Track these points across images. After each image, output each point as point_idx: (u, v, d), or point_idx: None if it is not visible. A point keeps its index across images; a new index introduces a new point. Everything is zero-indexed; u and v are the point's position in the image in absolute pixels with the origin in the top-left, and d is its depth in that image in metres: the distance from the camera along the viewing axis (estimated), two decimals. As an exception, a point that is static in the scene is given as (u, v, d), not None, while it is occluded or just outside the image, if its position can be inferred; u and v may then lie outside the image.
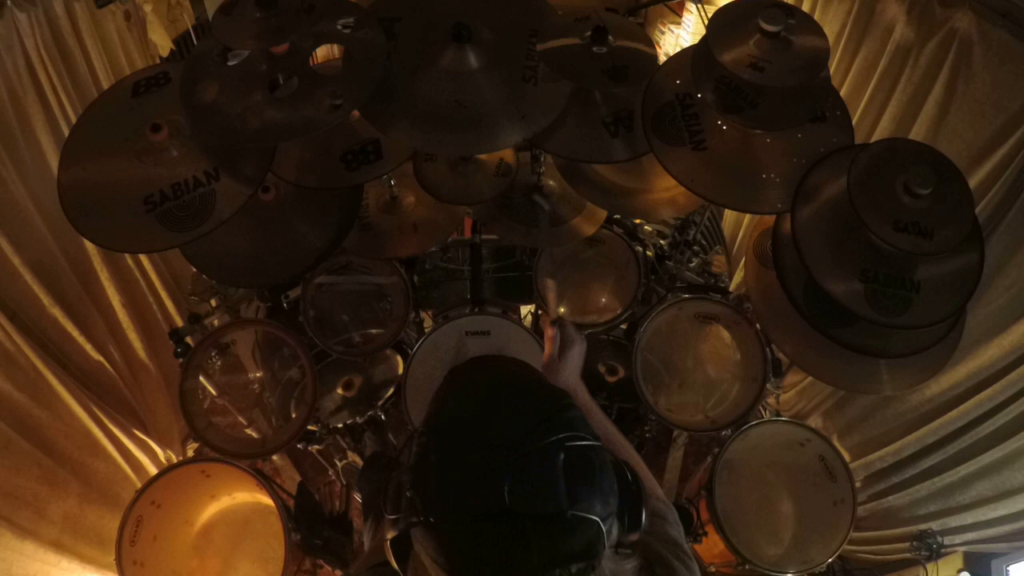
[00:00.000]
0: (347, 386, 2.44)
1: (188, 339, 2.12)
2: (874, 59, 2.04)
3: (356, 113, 1.61)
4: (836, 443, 2.22)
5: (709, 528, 2.19)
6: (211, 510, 2.40)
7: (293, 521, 2.08)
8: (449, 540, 0.68)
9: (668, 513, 1.07)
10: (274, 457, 2.85)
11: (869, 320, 1.45)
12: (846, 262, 1.49)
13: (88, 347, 2.32)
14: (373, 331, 2.37)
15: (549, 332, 1.33)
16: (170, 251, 1.72)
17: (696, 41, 1.64)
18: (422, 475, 0.71)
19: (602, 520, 0.68)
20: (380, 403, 2.35)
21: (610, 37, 1.60)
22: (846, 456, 2.20)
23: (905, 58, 1.91)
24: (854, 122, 1.72)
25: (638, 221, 2.54)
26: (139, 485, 2.16)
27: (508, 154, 2.02)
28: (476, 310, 2.17)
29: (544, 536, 0.65)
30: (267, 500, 2.07)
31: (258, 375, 2.53)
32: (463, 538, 0.67)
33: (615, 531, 0.72)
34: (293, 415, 2.35)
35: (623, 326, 2.45)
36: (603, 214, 2.15)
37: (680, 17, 3.02)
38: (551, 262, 2.42)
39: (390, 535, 0.75)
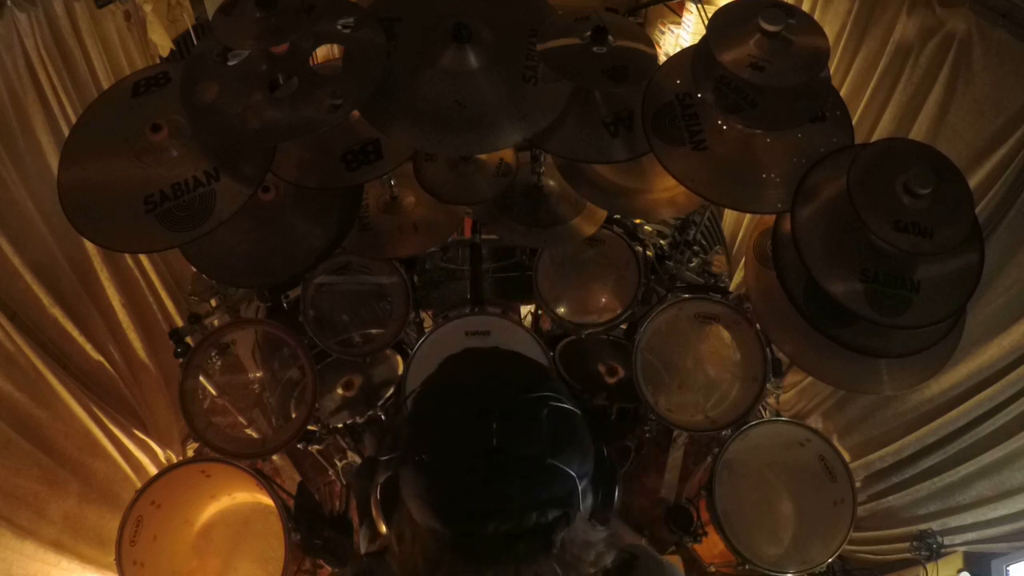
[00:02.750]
0: (347, 386, 2.44)
1: (188, 339, 2.12)
2: (874, 59, 2.04)
3: (356, 113, 1.61)
4: (836, 443, 2.22)
5: (709, 528, 2.19)
6: (211, 510, 2.40)
7: (293, 521, 2.07)
8: (438, 477, 0.73)
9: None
10: (274, 457, 2.85)
11: (869, 320, 1.45)
12: (846, 262, 1.49)
13: (88, 347, 2.32)
14: (373, 331, 2.37)
15: None
16: (170, 251, 1.72)
17: (696, 41, 1.64)
18: (418, 418, 0.79)
19: (578, 477, 0.74)
20: (380, 403, 2.35)
21: (610, 37, 1.60)
22: (846, 456, 2.20)
23: (905, 58, 1.91)
24: (854, 122, 1.72)
25: (638, 221, 2.54)
26: (139, 485, 2.16)
27: (508, 154, 2.01)
28: (476, 310, 2.17)
29: (526, 477, 0.71)
30: (267, 500, 2.07)
31: (258, 375, 2.53)
32: (453, 473, 0.72)
33: (589, 499, 0.78)
34: (293, 415, 2.35)
35: (623, 326, 2.45)
36: (603, 214, 2.15)
37: (680, 17, 3.02)
38: (551, 262, 2.42)
39: (380, 480, 0.81)
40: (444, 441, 0.74)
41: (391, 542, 0.83)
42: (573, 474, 0.73)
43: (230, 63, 1.50)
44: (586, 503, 0.76)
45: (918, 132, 1.92)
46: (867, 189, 1.42)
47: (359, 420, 2.32)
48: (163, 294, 2.67)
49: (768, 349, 2.10)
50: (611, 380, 2.48)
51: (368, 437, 2.38)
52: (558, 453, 0.73)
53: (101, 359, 2.39)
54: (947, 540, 2.19)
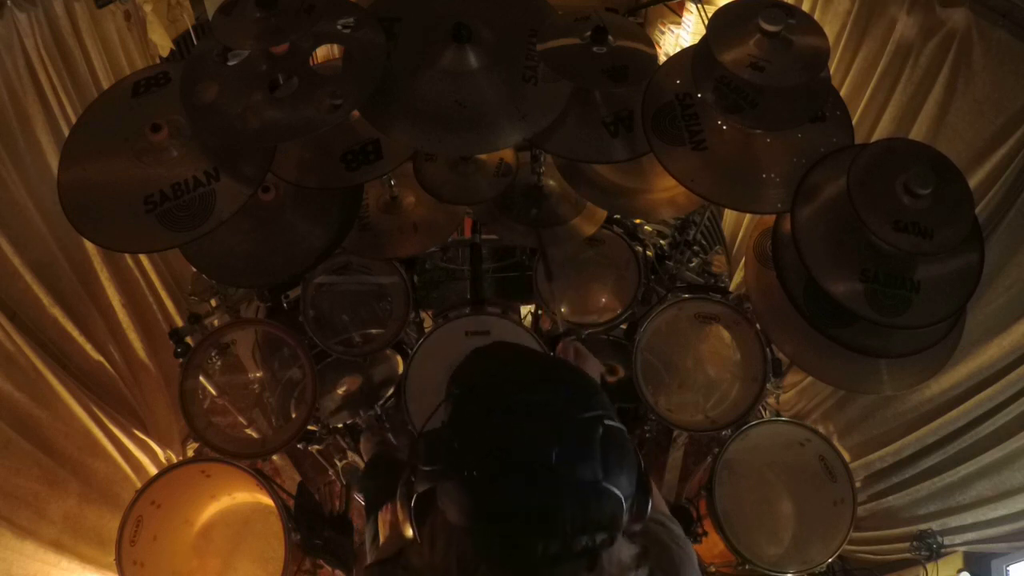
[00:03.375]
0: (347, 386, 2.44)
1: (188, 339, 2.12)
2: (874, 59, 2.04)
3: (356, 113, 1.61)
4: (836, 443, 2.22)
5: (709, 528, 2.19)
6: (211, 510, 2.40)
7: (293, 521, 2.07)
8: (489, 495, 0.69)
9: (669, 523, 1.08)
10: (274, 457, 2.85)
11: (869, 320, 1.45)
12: (846, 262, 1.49)
13: (88, 347, 2.32)
14: (373, 331, 2.37)
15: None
16: (170, 251, 1.72)
17: (696, 41, 1.64)
18: (463, 429, 0.74)
19: (624, 498, 0.71)
20: (380, 403, 2.35)
21: (610, 37, 1.60)
22: (846, 456, 2.20)
23: (905, 58, 1.91)
24: (854, 122, 1.72)
25: (638, 221, 2.54)
26: (139, 485, 2.16)
27: (508, 154, 2.01)
28: (476, 310, 2.16)
29: (578, 502, 0.68)
30: (267, 500, 2.07)
31: (258, 375, 2.53)
32: (504, 495, 0.69)
33: (627, 514, 0.74)
34: (293, 415, 2.35)
35: (623, 326, 2.45)
36: (603, 214, 2.15)
37: (680, 17, 3.02)
38: (552, 261, 2.42)
39: (418, 489, 0.76)
40: (496, 460, 0.70)
41: (415, 545, 0.81)
42: (621, 496, 0.71)
43: (230, 63, 1.50)
44: (625, 520, 0.74)
45: (918, 132, 1.92)
46: (867, 189, 1.42)
47: (359, 420, 2.32)
48: (163, 294, 2.68)
49: (768, 349, 2.10)
50: (611, 380, 2.48)
51: (365, 437, 2.37)
52: (610, 475, 0.70)
53: (101, 359, 2.39)
54: (947, 540, 2.19)
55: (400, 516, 0.82)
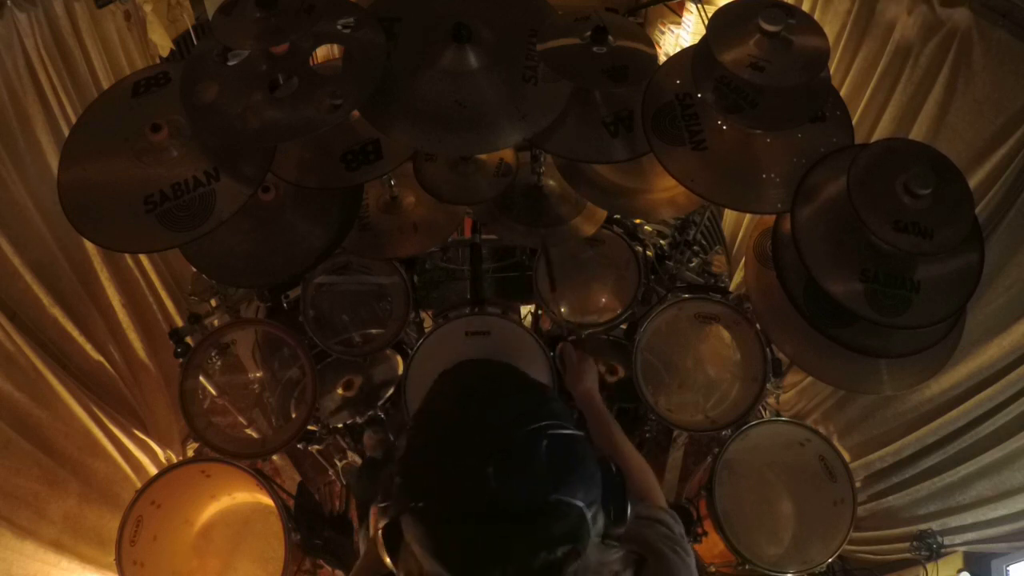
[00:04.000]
0: (347, 386, 2.44)
1: (188, 339, 2.12)
2: (874, 59, 2.04)
3: (356, 113, 1.61)
4: (836, 443, 2.22)
5: (709, 528, 2.19)
6: (211, 510, 2.40)
7: (293, 521, 2.08)
8: (436, 526, 0.69)
9: (670, 520, 1.07)
10: (274, 457, 2.85)
11: (869, 320, 1.45)
12: (846, 262, 1.49)
13: (88, 347, 2.33)
14: (373, 331, 2.37)
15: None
16: (170, 251, 1.72)
17: (696, 41, 1.64)
18: (410, 463, 0.74)
19: (585, 506, 0.70)
20: (380, 403, 2.35)
21: (610, 37, 1.60)
22: (846, 456, 2.20)
23: (905, 58, 1.91)
24: (854, 122, 1.72)
25: (638, 221, 2.54)
26: (139, 485, 2.16)
27: (508, 154, 2.01)
28: (476, 310, 2.16)
29: (529, 520, 0.67)
30: (267, 500, 2.07)
31: (258, 375, 2.53)
32: (450, 521, 0.69)
33: (600, 521, 0.73)
34: (293, 415, 2.35)
35: (623, 326, 2.45)
36: (603, 214, 2.15)
37: (680, 17, 3.03)
38: (555, 271, 2.42)
39: (382, 524, 0.78)
40: (438, 488, 0.70)
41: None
42: (580, 504, 0.69)
43: (230, 63, 1.50)
44: (597, 526, 0.73)
45: (918, 132, 1.92)
46: (867, 189, 1.42)
47: (359, 420, 2.32)
48: (163, 294, 2.68)
49: (768, 349, 2.10)
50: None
51: (367, 437, 2.37)
52: (561, 486, 0.69)
53: (101, 359, 2.39)
54: (947, 540, 2.19)
55: (379, 546, 0.82)
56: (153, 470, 2.62)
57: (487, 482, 0.66)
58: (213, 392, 2.24)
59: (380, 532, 0.80)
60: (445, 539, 0.69)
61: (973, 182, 1.72)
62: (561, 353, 1.42)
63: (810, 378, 2.62)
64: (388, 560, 0.81)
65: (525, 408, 0.73)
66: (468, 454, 0.69)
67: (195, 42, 2.60)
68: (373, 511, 1.47)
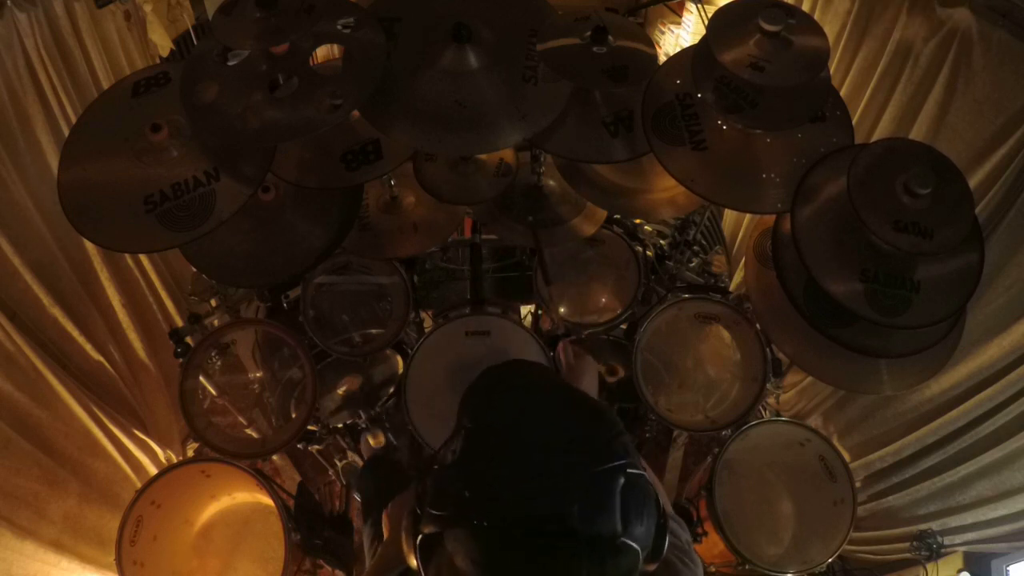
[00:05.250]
0: (347, 386, 2.44)
1: (188, 339, 2.12)
2: (874, 59, 2.04)
3: (356, 113, 1.61)
4: (836, 443, 2.22)
5: (709, 528, 2.19)
6: (211, 510, 2.40)
7: (293, 521, 2.08)
8: (501, 547, 0.66)
9: (677, 528, 1.06)
10: (274, 457, 2.85)
11: (869, 320, 1.45)
12: (846, 262, 1.49)
13: (88, 347, 2.32)
14: (373, 331, 2.37)
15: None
16: (170, 251, 1.72)
17: (696, 41, 1.64)
18: (476, 474, 0.69)
19: (642, 549, 0.68)
20: (380, 403, 2.35)
21: (610, 37, 1.60)
22: (846, 456, 2.20)
23: (905, 58, 1.91)
24: (854, 122, 1.72)
25: (638, 221, 2.54)
26: (139, 485, 2.16)
27: (508, 154, 2.01)
28: (476, 310, 2.16)
29: (596, 558, 0.65)
30: (267, 500, 2.07)
31: (258, 375, 2.53)
32: (517, 548, 0.65)
33: (642, 563, 0.71)
34: (293, 415, 2.35)
35: (623, 326, 2.45)
36: (603, 214, 2.15)
37: (680, 17, 3.03)
38: (551, 262, 2.42)
39: (425, 531, 0.72)
40: (511, 515, 0.65)
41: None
42: (639, 548, 0.68)
43: (230, 63, 1.50)
44: (641, 566, 0.71)
45: (918, 132, 1.92)
46: (867, 189, 1.42)
47: (359, 420, 2.32)
48: (163, 294, 2.68)
49: (768, 349, 2.10)
50: (611, 380, 2.48)
51: (367, 438, 2.37)
52: (628, 529, 0.67)
53: (101, 359, 2.39)
54: (947, 540, 2.19)
55: (404, 545, 0.79)
56: (153, 470, 2.62)
57: (568, 516, 0.64)
58: (213, 392, 2.24)
59: (413, 536, 0.75)
60: (507, 566, 0.66)
61: (973, 182, 1.72)
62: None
63: (810, 378, 2.62)
64: (414, 563, 0.76)
65: (607, 439, 0.71)
66: (548, 481, 0.66)
67: (195, 42, 2.60)
68: (385, 514, 1.45)
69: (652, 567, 0.75)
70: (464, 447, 0.71)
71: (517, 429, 0.71)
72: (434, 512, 0.70)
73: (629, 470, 0.69)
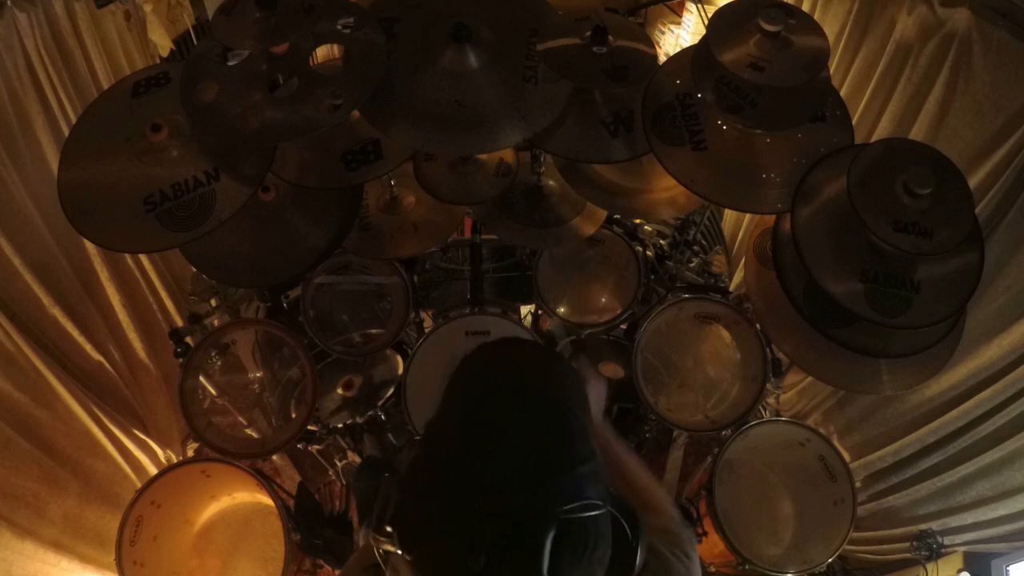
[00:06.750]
0: (347, 386, 2.44)
1: (188, 339, 2.12)
2: (874, 59, 2.04)
3: (356, 113, 1.61)
4: (836, 443, 2.22)
5: (709, 528, 2.19)
6: (211, 510, 2.40)
7: (293, 521, 2.08)
8: None
9: (675, 526, 1.05)
10: (274, 457, 2.85)
11: (869, 320, 1.45)
12: (846, 262, 1.49)
13: (88, 347, 2.32)
14: (373, 331, 2.37)
15: None
16: (170, 251, 1.72)
17: (696, 41, 1.64)
18: (407, 506, 0.69)
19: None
20: (380, 403, 2.35)
21: (610, 37, 1.60)
22: (846, 456, 2.20)
23: (905, 58, 1.91)
24: (854, 122, 1.72)
25: (638, 221, 2.54)
26: (139, 485, 2.16)
27: (508, 154, 2.01)
28: (476, 310, 2.17)
29: None
30: (267, 500, 2.07)
31: (258, 375, 2.53)
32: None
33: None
34: (293, 415, 2.35)
35: (623, 326, 2.45)
36: (603, 214, 2.15)
37: (680, 17, 3.02)
38: (551, 262, 2.42)
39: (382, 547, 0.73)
40: (428, 549, 0.66)
41: None
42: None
43: (230, 63, 1.50)
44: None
45: (918, 132, 1.92)
46: (867, 189, 1.42)
47: (359, 420, 2.32)
48: (163, 294, 2.67)
49: (768, 349, 2.10)
50: (611, 380, 2.48)
51: (368, 437, 2.38)
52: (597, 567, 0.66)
53: (101, 359, 2.39)
54: (947, 540, 2.19)
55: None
56: (153, 470, 2.62)
57: (477, 562, 0.62)
58: (213, 392, 2.24)
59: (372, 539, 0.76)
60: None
61: (973, 182, 1.72)
62: None
63: (810, 378, 2.62)
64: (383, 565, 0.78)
65: (548, 473, 0.66)
66: (468, 523, 0.64)
67: (195, 42, 2.60)
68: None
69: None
70: (409, 464, 0.72)
71: (452, 454, 0.68)
72: (374, 535, 0.72)
73: (568, 516, 0.64)
